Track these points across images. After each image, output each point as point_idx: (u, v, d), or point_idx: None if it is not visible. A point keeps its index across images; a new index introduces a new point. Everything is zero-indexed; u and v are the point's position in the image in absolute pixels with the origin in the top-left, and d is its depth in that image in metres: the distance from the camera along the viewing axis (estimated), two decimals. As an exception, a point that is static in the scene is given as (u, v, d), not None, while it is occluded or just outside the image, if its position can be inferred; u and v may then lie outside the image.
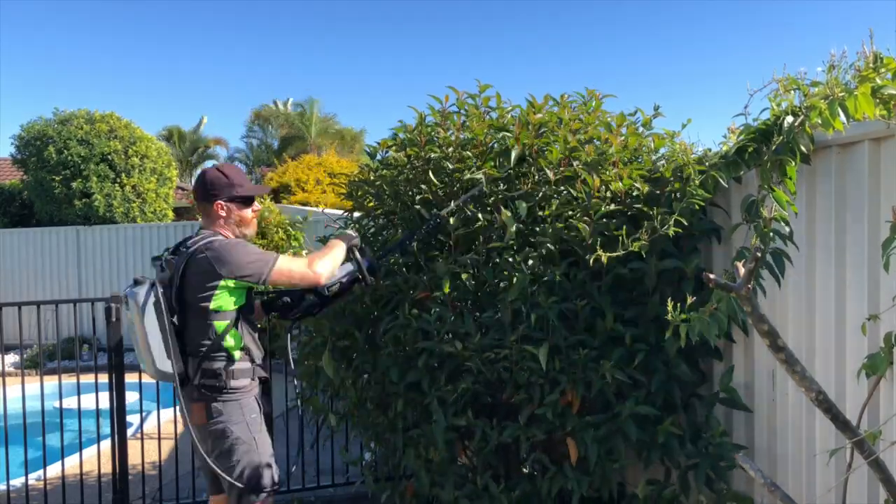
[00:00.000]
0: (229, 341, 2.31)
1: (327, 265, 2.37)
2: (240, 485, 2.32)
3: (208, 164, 28.22)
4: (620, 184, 2.42)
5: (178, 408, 2.68)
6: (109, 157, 11.50)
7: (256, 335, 2.44)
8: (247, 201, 2.40)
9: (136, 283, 2.30)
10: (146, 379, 4.33)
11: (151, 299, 2.24)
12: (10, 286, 11.27)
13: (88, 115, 11.82)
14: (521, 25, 45.05)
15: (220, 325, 2.30)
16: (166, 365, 2.26)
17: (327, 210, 10.15)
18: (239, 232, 2.40)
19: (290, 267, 2.32)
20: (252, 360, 2.38)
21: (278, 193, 14.91)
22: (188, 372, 2.30)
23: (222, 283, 2.25)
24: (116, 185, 11.52)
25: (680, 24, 43.19)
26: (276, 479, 2.41)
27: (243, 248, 2.30)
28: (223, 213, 2.37)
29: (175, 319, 2.28)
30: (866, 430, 1.72)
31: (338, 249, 2.45)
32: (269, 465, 2.38)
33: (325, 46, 42.85)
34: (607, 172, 2.48)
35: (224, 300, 2.28)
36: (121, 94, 43.01)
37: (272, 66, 42.62)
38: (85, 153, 11.29)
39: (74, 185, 11.16)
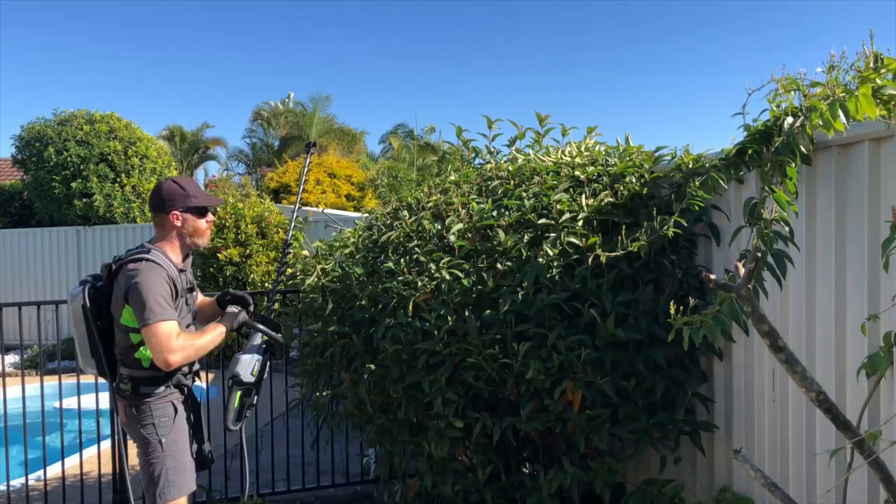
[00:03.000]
0: (143, 352, 2.37)
1: (188, 354, 2.36)
2: (150, 485, 2.40)
3: (209, 164, 28.25)
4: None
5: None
6: (109, 157, 11.50)
7: None
8: (202, 212, 2.46)
9: (81, 283, 2.48)
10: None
11: (80, 301, 2.42)
12: (10, 286, 11.28)
13: (88, 115, 11.83)
14: (522, 25, 45.04)
15: (135, 336, 2.37)
16: (89, 362, 2.50)
17: (327, 210, 10.16)
18: (192, 242, 2.46)
19: (159, 338, 2.29)
20: (168, 373, 2.41)
21: (278, 193, 14.91)
22: (112, 372, 2.47)
23: (126, 307, 2.35)
24: (116, 185, 11.52)
25: (679, 25, 43.19)
26: (186, 486, 2.45)
27: (156, 284, 2.33)
28: (178, 223, 2.42)
29: (103, 323, 2.44)
30: (866, 430, 1.72)
31: (211, 336, 2.45)
32: (175, 472, 2.41)
33: (326, 46, 42.83)
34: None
35: (130, 315, 2.35)
36: (121, 94, 42.90)
37: (272, 67, 42.60)
38: (85, 153, 11.29)
39: (74, 185, 11.17)
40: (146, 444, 2.41)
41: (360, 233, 3.28)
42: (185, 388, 2.53)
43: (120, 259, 2.44)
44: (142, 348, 2.37)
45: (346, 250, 3.20)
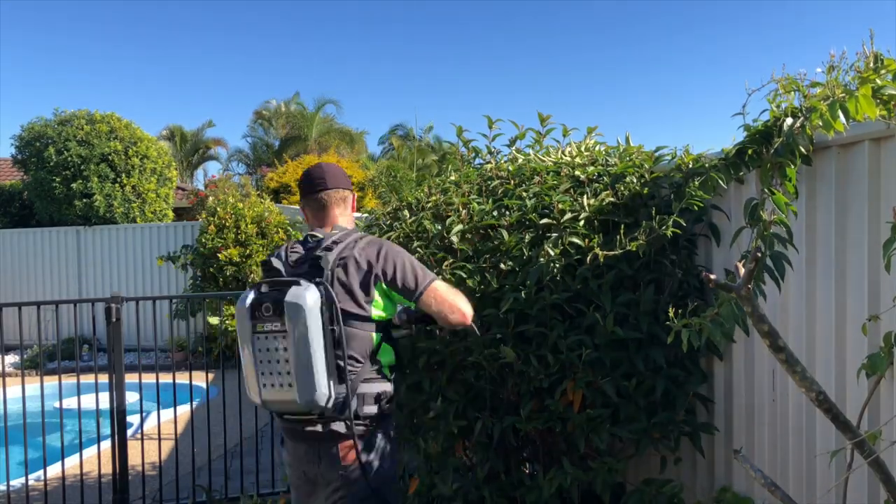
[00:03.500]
0: (386, 354, 2.05)
1: (469, 308, 2.06)
2: None
3: (209, 164, 28.25)
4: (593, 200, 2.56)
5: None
6: (110, 157, 11.51)
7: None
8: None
9: (285, 283, 1.91)
10: (146, 379, 4.34)
11: (318, 299, 1.88)
12: (10, 286, 11.29)
13: (89, 115, 11.83)
14: (522, 25, 45.06)
15: (376, 336, 2.02)
16: (322, 388, 1.87)
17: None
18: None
19: (447, 290, 2.01)
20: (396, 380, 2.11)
21: (278, 193, 14.94)
22: (347, 399, 1.94)
23: (379, 285, 1.99)
24: (117, 185, 11.52)
25: (679, 25, 43.20)
26: None
27: (401, 249, 2.07)
28: (353, 205, 2.20)
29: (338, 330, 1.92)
30: (866, 430, 1.72)
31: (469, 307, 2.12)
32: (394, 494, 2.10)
33: (326, 46, 42.85)
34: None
35: (380, 306, 2.02)
36: (121, 94, 43.00)
37: (272, 67, 42.63)
38: (85, 153, 11.30)
39: (74, 185, 11.17)
40: (383, 481, 1.99)
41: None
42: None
43: (317, 246, 2.04)
44: (382, 349, 2.03)
45: None
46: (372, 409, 1.98)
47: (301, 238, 2.18)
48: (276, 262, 2.04)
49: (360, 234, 2.08)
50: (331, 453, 1.98)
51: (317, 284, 1.90)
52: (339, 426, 1.96)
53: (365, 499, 1.98)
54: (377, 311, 2.00)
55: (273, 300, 1.88)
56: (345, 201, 2.17)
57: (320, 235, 2.08)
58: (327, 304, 1.89)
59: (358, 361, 1.98)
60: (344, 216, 2.16)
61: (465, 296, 2.11)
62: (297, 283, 1.88)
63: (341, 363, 1.91)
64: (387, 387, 2.03)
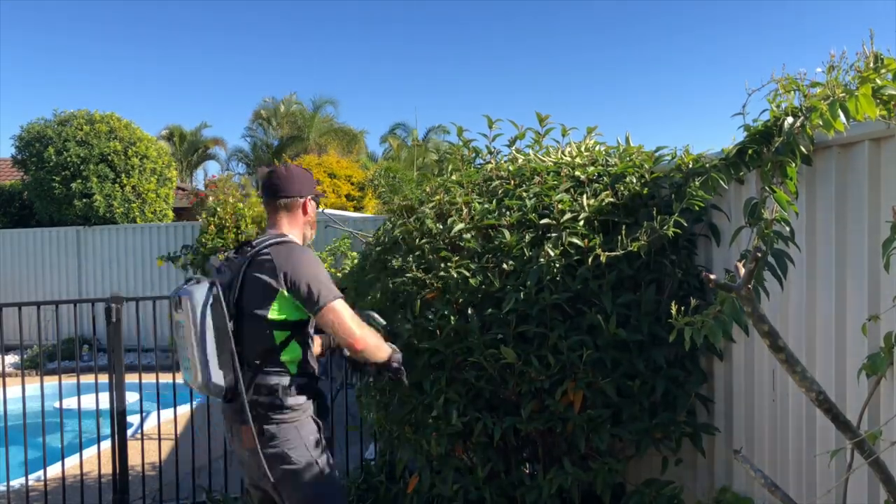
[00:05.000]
0: (292, 352, 2.14)
1: (369, 344, 2.16)
2: None
3: (209, 164, 28.25)
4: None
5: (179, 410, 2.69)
6: (109, 157, 11.50)
7: (311, 348, 2.27)
8: (317, 201, 2.37)
9: (190, 281, 2.14)
10: (146, 379, 4.34)
11: (210, 300, 2.06)
12: (10, 286, 11.28)
13: (88, 115, 11.83)
14: (522, 25, 45.03)
15: (279, 335, 2.12)
16: (219, 376, 2.06)
17: (327, 210, 10.16)
18: (309, 234, 2.32)
19: (344, 317, 2.09)
20: (310, 375, 2.21)
21: (278, 194, 14.89)
22: (238, 387, 2.08)
23: (281, 291, 2.08)
24: (116, 185, 11.52)
25: (679, 25, 43.18)
26: None
27: (318, 264, 2.15)
28: (308, 211, 2.28)
29: (231, 326, 2.08)
30: (866, 430, 1.72)
31: (381, 344, 2.24)
32: (332, 492, 2.20)
33: (326, 46, 42.83)
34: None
35: (285, 310, 2.11)
36: (121, 94, 43.02)
37: (272, 67, 42.61)
38: (85, 154, 11.30)
39: (74, 185, 11.17)
40: (297, 471, 2.11)
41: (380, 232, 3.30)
42: (321, 398, 2.26)
43: (245, 248, 2.18)
44: (289, 347, 2.13)
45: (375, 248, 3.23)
46: (265, 398, 2.10)
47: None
48: (214, 262, 2.31)
49: (281, 240, 2.16)
50: (238, 433, 2.17)
51: (210, 284, 2.09)
52: (238, 410, 2.11)
53: (277, 486, 2.13)
54: (275, 314, 2.10)
55: (177, 294, 2.11)
56: (290, 208, 2.26)
57: (255, 240, 2.22)
58: (217, 302, 2.06)
59: (258, 356, 2.11)
60: (292, 222, 2.26)
61: (363, 323, 2.21)
62: (197, 282, 2.11)
63: (237, 356, 2.07)
64: (283, 380, 2.12)
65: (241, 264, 2.13)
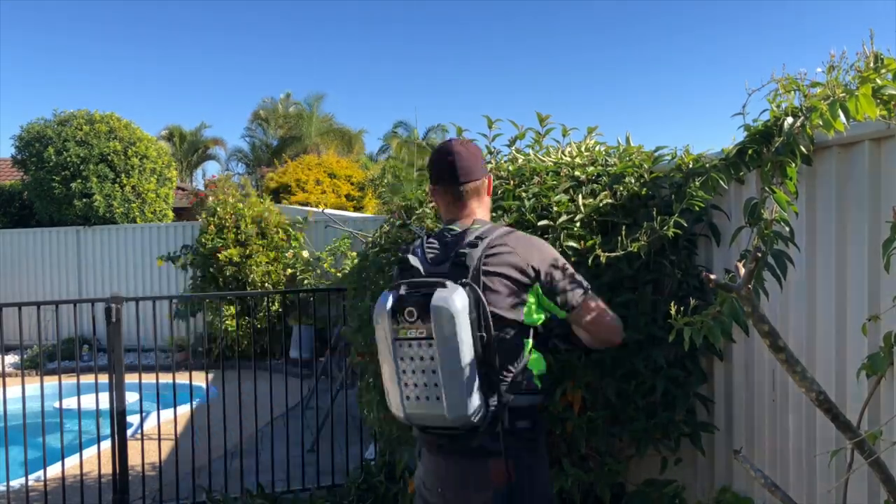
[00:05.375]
0: (536, 362, 1.86)
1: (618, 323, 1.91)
2: None
3: (208, 164, 28.24)
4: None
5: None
6: (109, 157, 11.51)
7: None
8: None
9: (428, 284, 1.71)
10: (146, 379, 4.34)
11: (464, 302, 1.67)
12: (10, 286, 11.29)
13: (88, 115, 11.84)
14: (522, 25, 45.03)
15: (527, 341, 1.81)
16: (473, 400, 1.67)
17: (327, 210, 10.16)
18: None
19: (602, 304, 1.85)
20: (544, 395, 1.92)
21: (278, 193, 14.93)
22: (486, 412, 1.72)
23: (535, 289, 1.80)
24: (116, 185, 11.52)
25: (679, 25, 43.18)
26: None
27: (555, 251, 1.89)
28: (490, 191, 1.98)
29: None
30: (866, 430, 1.72)
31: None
32: None
33: (326, 47, 42.83)
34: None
35: (532, 310, 1.81)
36: (121, 94, 43.04)
37: (272, 67, 42.62)
38: (84, 154, 11.30)
39: (74, 185, 11.17)
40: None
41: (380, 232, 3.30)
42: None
43: (457, 241, 1.83)
44: (533, 357, 1.83)
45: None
46: (524, 423, 1.78)
47: (435, 231, 2.01)
48: (414, 261, 1.83)
49: (507, 229, 1.87)
50: (480, 472, 1.76)
51: (463, 285, 1.70)
52: (490, 442, 1.74)
53: None
54: (529, 316, 1.80)
55: (417, 304, 1.68)
56: (481, 191, 1.94)
57: (458, 229, 1.87)
58: (475, 306, 1.69)
59: (508, 371, 1.77)
60: (481, 207, 1.94)
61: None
62: (443, 285, 1.68)
63: (492, 373, 1.72)
64: (538, 399, 1.85)
65: (469, 262, 1.75)
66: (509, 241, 1.81)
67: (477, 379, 1.68)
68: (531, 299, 1.80)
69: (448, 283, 1.69)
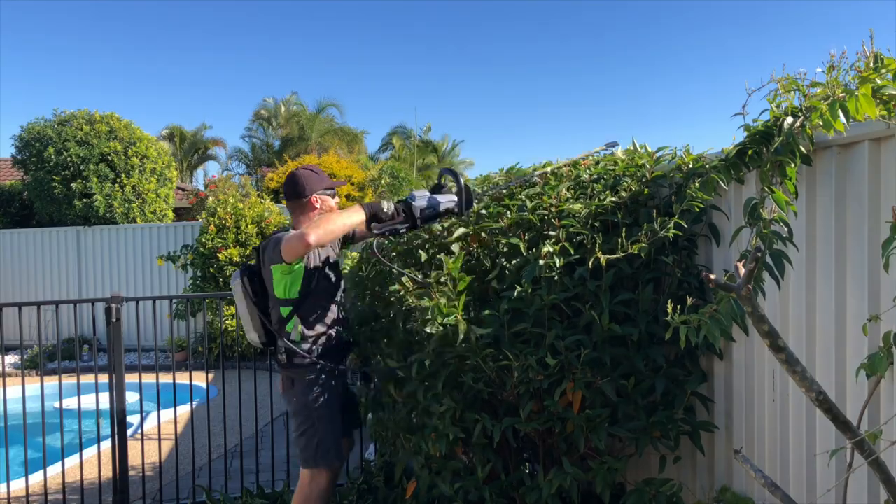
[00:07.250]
0: (291, 325, 2.71)
1: (320, 229, 2.49)
2: (302, 452, 2.80)
3: (209, 164, 28.26)
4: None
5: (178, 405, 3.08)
6: (109, 157, 11.51)
7: (332, 313, 2.79)
8: (332, 193, 2.85)
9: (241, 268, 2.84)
10: (146, 379, 4.33)
11: (238, 282, 2.79)
12: (10, 286, 11.29)
13: (88, 115, 11.83)
14: (523, 26, 45.05)
15: (284, 309, 2.72)
16: (251, 336, 2.84)
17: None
18: None
19: (288, 240, 2.59)
20: (318, 341, 2.74)
21: (278, 194, 14.91)
22: (273, 344, 2.81)
23: (273, 268, 2.67)
24: (116, 185, 11.52)
25: (679, 25, 43.21)
26: (331, 460, 2.79)
27: (287, 238, 2.61)
28: (318, 205, 2.77)
29: (259, 301, 2.81)
30: (866, 430, 1.72)
31: (347, 213, 2.56)
32: (323, 443, 2.76)
33: (327, 47, 42.86)
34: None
35: (280, 287, 2.70)
36: (121, 94, 43.01)
37: (273, 67, 42.61)
38: (85, 154, 11.30)
39: (74, 185, 11.17)
40: (298, 413, 2.77)
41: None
42: (335, 366, 2.77)
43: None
44: (291, 321, 2.71)
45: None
46: (282, 357, 2.77)
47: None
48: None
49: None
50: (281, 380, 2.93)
51: (241, 271, 2.80)
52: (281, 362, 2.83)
53: (292, 418, 2.88)
54: (279, 290, 2.71)
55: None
56: (301, 207, 2.78)
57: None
58: (243, 284, 2.78)
59: (274, 325, 2.79)
60: (305, 220, 2.75)
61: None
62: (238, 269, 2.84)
63: (265, 322, 2.80)
64: (289, 344, 2.72)
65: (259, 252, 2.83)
66: (274, 237, 2.72)
67: (251, 325, 2.84)
68: (275, 278, 2.71)
69: (241, 269, 2.83)
